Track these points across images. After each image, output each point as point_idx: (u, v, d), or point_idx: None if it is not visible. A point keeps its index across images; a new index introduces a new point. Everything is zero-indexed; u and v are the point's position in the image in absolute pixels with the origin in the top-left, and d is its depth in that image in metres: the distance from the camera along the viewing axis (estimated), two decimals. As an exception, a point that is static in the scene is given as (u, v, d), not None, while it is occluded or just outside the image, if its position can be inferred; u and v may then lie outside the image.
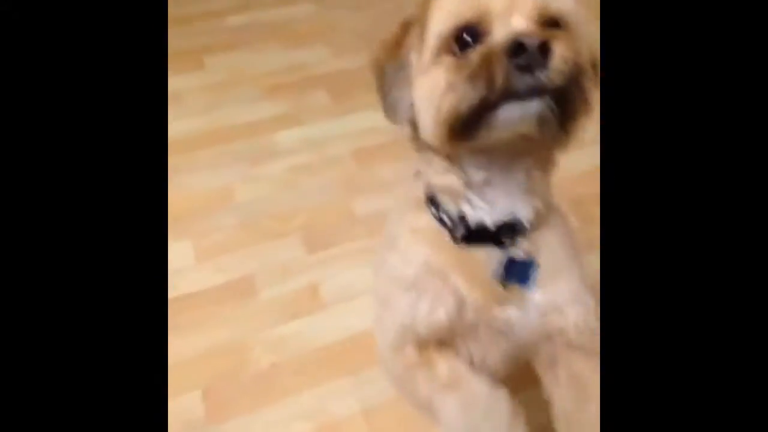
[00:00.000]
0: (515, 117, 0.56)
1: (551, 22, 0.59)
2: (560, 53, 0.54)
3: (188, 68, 2.55)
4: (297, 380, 1.45)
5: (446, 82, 0.58)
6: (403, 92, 0.64)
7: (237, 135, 2.21)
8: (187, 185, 2.04)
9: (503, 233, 0.66)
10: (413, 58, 0.63)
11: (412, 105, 0.63)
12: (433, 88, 0.59)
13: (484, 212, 0.66)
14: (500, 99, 0.55)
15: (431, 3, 0.62)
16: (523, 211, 0.66)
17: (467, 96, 0.56)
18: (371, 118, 2.24)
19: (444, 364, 0.70)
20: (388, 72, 0.65)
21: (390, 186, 2.00)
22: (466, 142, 0.59)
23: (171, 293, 1.69)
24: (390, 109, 0.67)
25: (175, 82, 2.43)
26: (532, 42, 0.53)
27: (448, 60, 0.59)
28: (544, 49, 0.53)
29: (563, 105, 0.56)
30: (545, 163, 0.66)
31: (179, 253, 1.80)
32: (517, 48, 0.53)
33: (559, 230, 0.70)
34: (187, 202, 1.97)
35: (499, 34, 0.57)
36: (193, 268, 1.77)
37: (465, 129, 0.58)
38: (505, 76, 0.54)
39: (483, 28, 0.58)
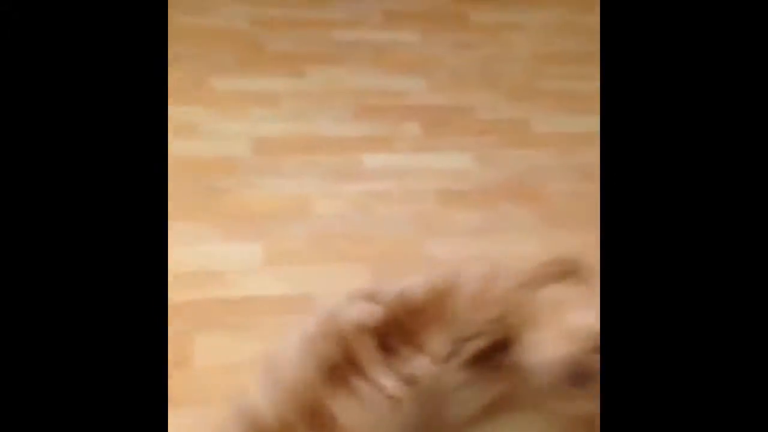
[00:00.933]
0: None
1: None
2: None
3: (289, 73, 2.60)
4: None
5: None
6: None
7: (325, 148, 2.23)
8: (268, 188, 2.06)
9: None
10: None
11: None
12: None
13: None
14: None
15: None
16: None
17: None
18: (460, 160, 2.22)
19: None
20: None
21: (466, 234, 1.97)
22: None
23: (229, 292, 1.70)
24: None
25: (273, 84, 2.48)
26: None
27: None
28: None
29: None
30: None
31: (247, 255, 1.81)
32: None
33: None
34: (265, 206, 1.99)
35: None
36: (258, 272, 1.77)
37: None
38: None
39: None
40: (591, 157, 2.09)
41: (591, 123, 2.15)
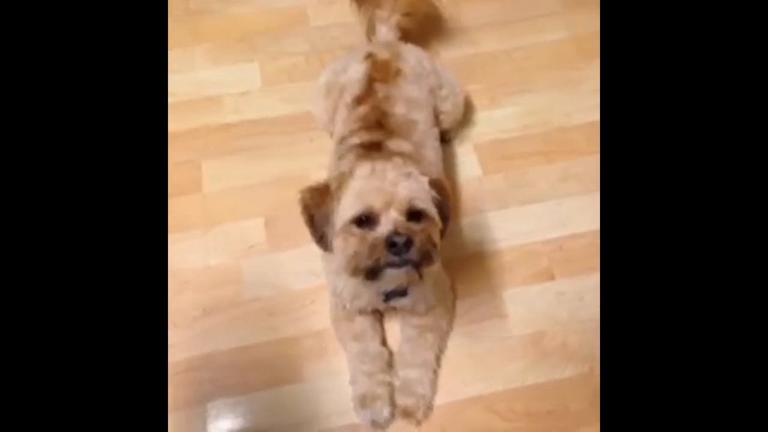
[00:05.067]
0: (393, 275, 0.99)
1: (416, 213, 1.00)
2: (418, 243, 0.97)
3: None
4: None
5: (353, 248, 0.99)
6: (330, 233, 1.03)
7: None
8: (258, 3, 1.86)
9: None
10: (332, 216, 1.02)
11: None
12: (345, 249, 1.00)
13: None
14: (384, 266, 0.97)
15: (342, 189, 1.02)
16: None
17: (364, 262, 0.97)
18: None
19: (359, 323, 1.24)
20: (317, 217, 1.04)
21: (487, 26, 1.77)
22: (367, 281, 1.02)
23: (237, 117, 1.61)
24: (322, 243, 1.06)
25: None
26: (400, 240, 0.95)
27: (354, 230, 0.99)
28: (408, 242, 0.95)
29: (419, 266, 0.99)
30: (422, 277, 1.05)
31: (247, 76, 1.69)
32: (391, 243, 0.95)
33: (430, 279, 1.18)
34: (257, 23, 1.80)
35: (384, 225, 0.98)
36: (259, 92, 1.66)
37: (365, 276, 1.00)
38: (385, 257, 0.96)
39: (374, 216, 0.98)
40: None
41: None
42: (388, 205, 0.97)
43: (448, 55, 1.72)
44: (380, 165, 1.01)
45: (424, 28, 1.66)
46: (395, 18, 1.52)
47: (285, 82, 1.68)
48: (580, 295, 1.31)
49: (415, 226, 0.97)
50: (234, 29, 1.80)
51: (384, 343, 1.26)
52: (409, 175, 1.00)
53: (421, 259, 0.97)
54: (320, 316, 1.30)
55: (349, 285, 1.15)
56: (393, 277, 0.99)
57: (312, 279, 1.35)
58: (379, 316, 1.28)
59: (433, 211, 1.00)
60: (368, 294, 1.14)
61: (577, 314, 1.29)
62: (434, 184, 1.03)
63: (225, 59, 1.74)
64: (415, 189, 0.99)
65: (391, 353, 1.24)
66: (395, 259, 0.94)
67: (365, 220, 0.97)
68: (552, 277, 1.34)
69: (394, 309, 1.24)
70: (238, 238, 1.41)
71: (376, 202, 0.97)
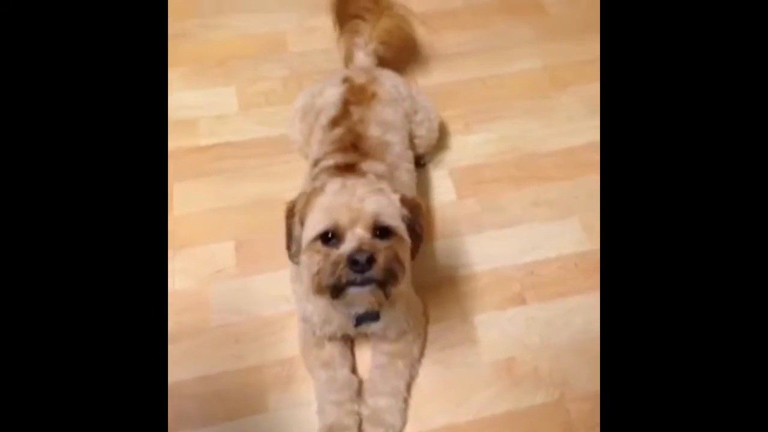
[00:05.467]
0: (356, 294, 0.97)
1: (383, 230, 0.98)
2: (382, 261, 0.95)
3: None
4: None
5: (317, 265, 0.97)
6: (298, 245, 1.04)
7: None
8: (236, 28, 1.87)
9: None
10: (295, 232, 1.05)
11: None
12: (310, 265, 0.99)
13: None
14: (347, 284, 0.95)
15: (308, 206, 1.01)
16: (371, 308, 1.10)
17: (326, 280, 0.96)
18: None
19: (329, 350, 1.21)
20: (295, 234, 1.04)
21: (461, 55, 1.80)
22: (332, 299, 1.00)
23: (212, 139, 1.61)
24: (291, 256, 1.07)
25: None
26: (362, 257, 0.93)
27: (318, 247, 0.98)
28: (370, 260, 0.93)
29: (385, 285, 0.97)
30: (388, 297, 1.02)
31: (223, 99, 1.69)
32: (353, 261, 0.93)
33: (402, 303, 1.18)
34: (234, 47, 1.82)
35: (348, 242, 0.96)
36: (236, 116, 1.66)
37: (330, 294, 0.98)
38: (347, 275, 0.94)
39: (339, 232, 0.97)
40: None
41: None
42: (354, 221, 0.95)
43: (425, 81, 1.74)
44: (351, 181, 1.00)
45: (401, 56, 1.69)
46: (373, 45, 1.55)
47: (262, 105, 1.68)
48: (551, 321, 1.30)
49: (380, 244, 0.95)
50: (212, 54, 1.81)
51: (354, 370, 1.23)
52: (379, 190, 0.99)
53: (386, 277, 0.94)
54: (288, 343, 1.27)
55: (319, 309, 1.13)
56: (356, 297, 0.96)
57: (282, 305, 1.32)
58: (349, 342, 1.26)
59: (401, 229, 0.98)
60: (339, 318, 1.12)
61: (549, 339, 1.28)
62: (406, 201, 1.02)
63: (201, 83, 1.74)
64: (383, 204, 0.97)
65: (360, 381, 1.21)
66: (356, 276, 0.92)
67: (331, 237, 0.95)
68: (523, 302, 1.33)
69: (365, 335, 1.22)
70: (206, 261, 1.39)
71: (342, 219, 0.95)
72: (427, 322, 1.29)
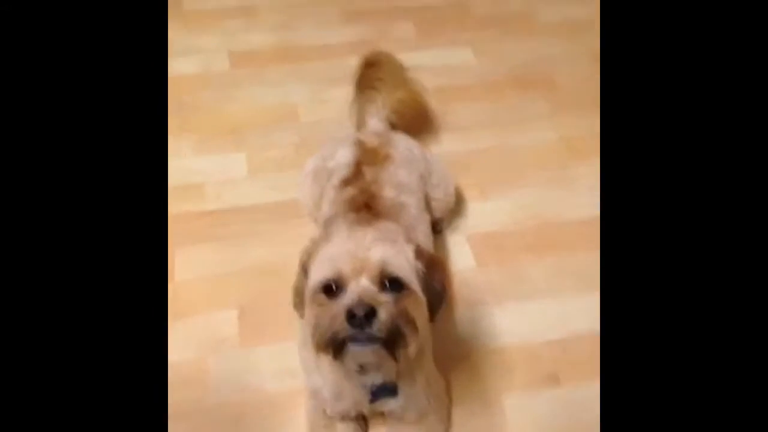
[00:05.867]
0: (357, 353, 0.86)
1: (394, 282, 0.87)
2: (384, 316, 0.83)
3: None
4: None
5: (315, 318, 0.88)
6: (301, 297, 0.95)
7: (310, 55, 2.03)
8: (248, 99, 1.88)
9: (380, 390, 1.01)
10: (301, 286, 0.95)
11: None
12: (310, 319, 0.90)
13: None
14: (346, 341, 0.85)
15: (311, 259, 0.93)
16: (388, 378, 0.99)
17: (326, 334, 0.86)
18: (458, 55, 2.02)
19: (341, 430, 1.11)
20: (298, 287, 0.96)
21: (464, 130, 1.79)
22: (334, 359, 0.89)
23: (218, 204, 1.55)
24: (295, 308, 0.98)
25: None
26: (360, 311, 0.82)
27: (321, 299, 0.88)
28: (370, 314, 0.82)
29: (391, 345, 0.86)
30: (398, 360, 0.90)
31: (233, 165, 1.65)
32: (351, 315, 0.82)
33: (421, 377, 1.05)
34: (246, 116, 1.81)
35: (350, 292, 0.85)
36: (244, 181, 1.62)
37: (331, 352, 0.88)
38: (345, 330, 0.84)
39: (342, 283, 0.87)
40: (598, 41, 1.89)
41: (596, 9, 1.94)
42: (358, 271, 0.84)
43: (437, 149, 1.71)
44: (361, 228, 0.92)
45: (413, 125, 1.67)
46: (385, 112, 1.53)
47: (272, 170, 1.65)
48: (589, 405, 1.16)
49: (385, 297, 0.83)
50: (224, 123, 1.80)
51: (367, 456, 1.08)
52: (392, 240, 0.90)
53: (391, 336, 0.83)
54: (294, 424, 1.13)
55: (330, 381, 1.00)
56: (357, 355, 0.85)
57: (288, 380, 1.19)
58: (363, 424, 1.11)
59: (414, 282, 0.87)
60: (352, 392, 0.99)
61: (589, 428, 1.13)
62: (421, 253, 0.91)
63: (212, 149, 1.71)
64: (392, 254, 0.86)
65: (374, 470, 1.06)
66: (355, 333, 0.81)
67: (335, 288, 0.85)
68: (557, 383, 1.20)
69: (382, 414, 1.08)
70: (207, 331, 1.27)
71: (345, 268, 0.85)
72: (450, 402, 1.15)
